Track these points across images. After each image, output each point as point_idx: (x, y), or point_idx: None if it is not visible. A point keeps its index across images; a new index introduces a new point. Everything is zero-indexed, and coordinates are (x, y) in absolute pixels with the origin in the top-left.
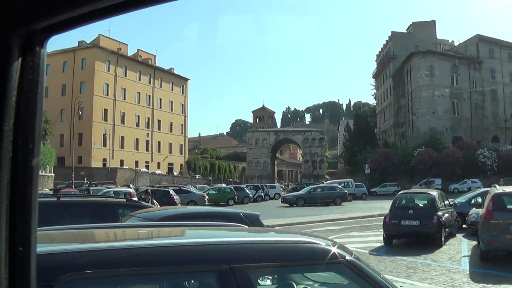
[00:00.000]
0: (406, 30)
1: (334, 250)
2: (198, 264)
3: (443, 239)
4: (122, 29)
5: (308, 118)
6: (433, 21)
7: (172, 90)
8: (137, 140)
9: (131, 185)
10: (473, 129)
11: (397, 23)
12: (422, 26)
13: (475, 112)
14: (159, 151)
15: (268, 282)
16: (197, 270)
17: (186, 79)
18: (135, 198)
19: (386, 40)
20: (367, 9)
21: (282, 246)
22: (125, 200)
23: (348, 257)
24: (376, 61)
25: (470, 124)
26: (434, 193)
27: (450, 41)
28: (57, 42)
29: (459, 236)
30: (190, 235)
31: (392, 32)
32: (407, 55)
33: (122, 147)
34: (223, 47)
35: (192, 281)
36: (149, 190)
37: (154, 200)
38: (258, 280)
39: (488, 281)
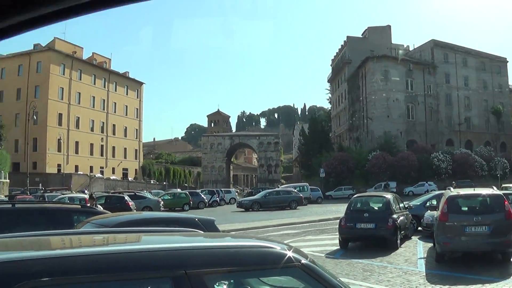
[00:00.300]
0: (362, 35)
1: (290, 254)
2: (153, 270)
3: (398, 241)
4: (77, 32)
5: (263, 122)
6: (389, 26)
7: (127, 94)
8: (91, 145)
9: (86, 191)
10: (428, 132)
11: (352, 28)
12: (378, 31)
13: (429, 116)
14: (113, 156)
15: (225, 287)
16: (152, 276)
17: (141, 83)
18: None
19: (342, 45)
20: (323, 14)
21: (238, 251)
22: (80, 206)
23: (303, 261)
24: (331, 65)
25: (425, 127)
26: (389, 196)
27: (405, 46)
28: (12, 45)
29: (414, 238)
30: (145, 241)
31: (347, 36)
32: (362, 60)
33: (76, 152)
34: (177, 51)
35: (149, 287)
36: (93, 195)
37: (99, 205)
38: (215, 286)
39: (444, 282)
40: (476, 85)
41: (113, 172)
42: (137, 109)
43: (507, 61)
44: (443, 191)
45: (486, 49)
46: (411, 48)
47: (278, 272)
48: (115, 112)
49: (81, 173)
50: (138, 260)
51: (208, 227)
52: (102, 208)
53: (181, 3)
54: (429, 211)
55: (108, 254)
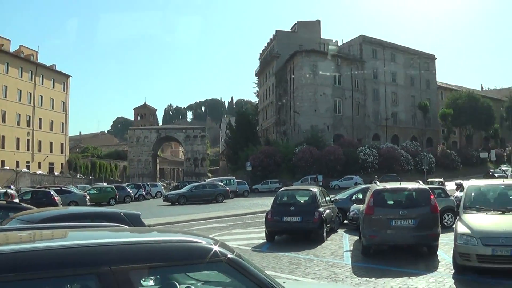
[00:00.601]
0: (291, 29)
1: (216, 248)
2: (78, 267)
3: (325, 234)
4: (4, 24)
5: (190, 115)
6: (318, 21)
7: (53, 87)
8: (17, 139)
9: (12, 186)
10: (355, 127)
11: (281, 22)
12: (307, 25)
13: (356, 111)
14: (40, 150)
15: (151, 282)
16: (78, 273)
17: (68, 76)
18: (16, 200)
19: (270, 39)
20: (253, 8)
21: (163, 246)
22: (5, 202)
23: (229, 255)
24: (259, 59)
25: (352, 122)
26: (315, 189)
27: (334, 41)
28: None
29: (340, 231)
30: (70, 237)
31: (276, 30)
32: (290, 54)
33: (3, 147)
34: (104, 44)
35: (74, 284)
36: (8, 192)
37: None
38: (141, 281)
39: (370, 275)
40: (404, 81)
41: (39, 167)
42: (63, 102)
43: (435, 58)
44: (369, 185)
45: (415, 46)
46: (340, 43)
47: (204, 267)
48: (41, 105)
49: (7, 168)
50: (64, 256)
51: (134, 221)
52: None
53: None
54: (355, 204)
55: (32, 251)
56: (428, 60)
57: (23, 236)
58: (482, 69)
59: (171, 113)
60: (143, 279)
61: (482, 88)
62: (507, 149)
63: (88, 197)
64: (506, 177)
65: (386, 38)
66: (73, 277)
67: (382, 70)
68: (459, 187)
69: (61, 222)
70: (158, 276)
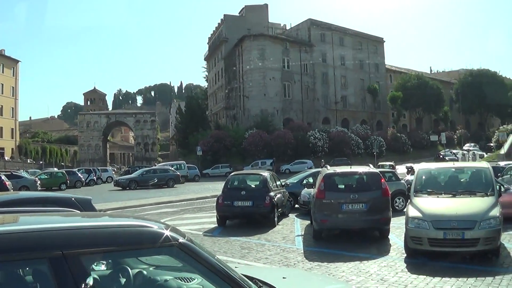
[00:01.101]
0: (239, 13)
1: (167, 233)
2: (29, 251)
3: (276, 219)
4: None
5: (140, 100)
6: (266, 5)
7: (2, 72)
8: None
9: None
10: (304, 111)
11: (229, 6)
12: (255, 9)
13: (306, 95)
14: None
15: (103, 267)
16: (29, 258)
17: (17, 61)
18: None
19: (218, 23)
20: None
21: (114, 231)
22: None
23: (181, 240)
24: (208, 43)
25: (301, 106)
26: (265, 174)
27: (282, 25)
28: None
29: (292, 216)
30: (22, 222)
31: (224, 15)
32: (239, 38)
33: None
34: (53, 28)
35: (26, 268)
36: None
37: None
38: (93, 266)
39: (322, 259)
40: (353, 64)
41: None
42: (13, 87)
43: (384, 41)
44: (319, 169)
45: (363, 30)
46: (288, 27)
47: (156, 251)
48: None
49: None
50: (15, 241)
51: (85, 206)
52: None
53: None
54: (306, 188)
55: None
56: (376, 44)
57: None
58: (430, 52)
59: (120, 98)
60: (95, 264)
61: (431, 71)
62: (457, 131)
63: (39, 182)
64: (457, 160)
65: (335, 21)
66: (25, 262)
67: (331, 53)
68: (410, 171)
69: (12, 206)
70: (110, 261)
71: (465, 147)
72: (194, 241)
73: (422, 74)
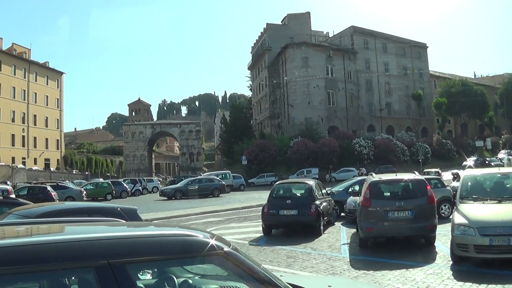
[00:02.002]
0: (281, 22)
1: (212, 242)
2: (75, 260)
3: (322, 227)
4: None
5: (184, 110)
6: (308, 13)
7: (47, 84)
8: (13, 136)
9: (8, 182)
10: (349, 118)
11: (272, 15)
12: (297, 17)
13: (350, 102)
14: (35, 146)
15: (149, 276)
16: (75, 267)
17: (61, 73)
18: (13, 195)
19: (261, 32)
20: (243, 1)
21: (160, 240)
22: (2, 197)
23: (226, 249)
24: (251, 52)
25: (346, 114)
26: (311, 182)
27: (325, 33)
28: None
29: (337, 224)
30: (68, 232)
31: (267, 24)
32: (282, 47)
33: None
34: (97, 40)
35: (72, 278)
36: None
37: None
38: (138, 275)
39: (368, 267)
40: (397, 70)
41: (35, 163)
42: (57, 99)
43: (427, 47)
44: (365, 177)
45: (406, 35)
46: (331, 35)
47: (201, 260)
48: (35, 102)
49: (3, 164)
50: (61, 250)
51: (131, 216)
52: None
53: None
54: (351, 196)
55: (31, 245)
56: (419, 49)
57: (20, 230)
58: (474, 57)
59: (165, 108)
60: (141, 273)
61: (475, 75)
62: (502, 136)
63: (84, 192)
64: (503, 166)
65: (377, 28)
66: (71, 271)
67: (374, 60)
68: (456, 177)
69: (58, 217)
70: (155, 270)
71: (500, 154)
72: (239, 250)
73: (466, 79)
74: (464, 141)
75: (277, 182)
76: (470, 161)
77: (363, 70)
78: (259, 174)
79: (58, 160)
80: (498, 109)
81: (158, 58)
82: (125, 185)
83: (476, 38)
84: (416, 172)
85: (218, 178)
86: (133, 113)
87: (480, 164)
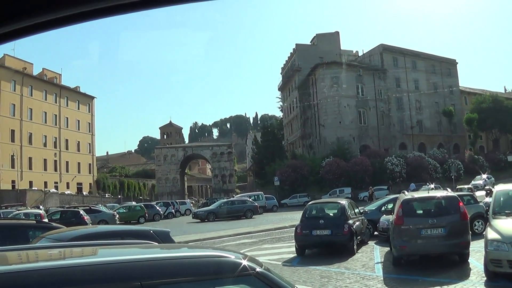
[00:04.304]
0: (310, 42)
1: (244, 262)
2: (108, 282)
3: (355, 247)
4: (26, 48)
5: (215, 132)
6: (337, 32)
7: (78, 108)
8: (45, 160)
9: (41, 207)
10: (380, 137)
11: (301, 35)
12: (326, 37)
13: (381, 120)
14: (67, 171)
15: None
16: None
17: (92, 97)
18: (46, 220)
19: (291, 53)
20: (272, 22)
21: (192, 261)
22: (35, 221)
23: (258, 269)
24: (281, 73)
25: (377, 132)
26: (343, 201)
27: (354, 52)
28: None
29: (371, 243)
30: (101, 254)
31: (296, 44)
32: (311, 67)
33: (30, 168)
34: (127, 64)
35: None
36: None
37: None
38: None
39: (402, 286)
40: (427, 87)
41: (68, 187)
42: (89, 123)
43: (457, 63)
44: (397, 195)
45: (435, 52)
46: (360, 54)
47: (233, 281)
48: (67, 127)
49: (36, 188)
50: (94, 273)
51: (163, 238)
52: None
53: (126, 16)
54: (384, 215)
55: (64, 267)
56: (449, 66)
57: (53, 253)
58: (504, 71)
59: (196, 130)
60: None
61: (505, 90)
62: None
63: (117, 216)
64: None
65: (406, 45)
66: None
67: (404, 78)
68: (489, 193)
69: (91, 240)
70: None
71: None
72: (272, 270)
73: (497, 94)
74: (496, 157)
75: (310, 202)
76: (481, 178)
77: (393, 88)
78: (291, 194)
79: (90, 184)
80: None
81: (188, 81)
82: (157, 208)
83: (506, 53)
84: (448, 189)
85: (250, 200)
86: (165, 136)
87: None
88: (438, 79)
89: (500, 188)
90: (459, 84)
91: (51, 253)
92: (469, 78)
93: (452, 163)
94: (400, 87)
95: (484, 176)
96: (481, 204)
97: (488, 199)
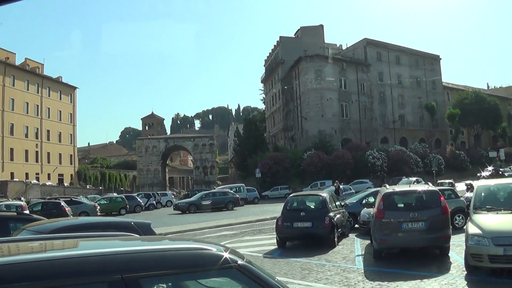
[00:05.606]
0: (294, 35)
1: (226, 255)
2: (89, 275)
3: (336, 239)
4: (9, 38)
5: (197, 124)
6: (321, 26)
7: (60, 99)
8: (26, 151)
9: (22, 198)
10: (362, 130)
11: (285, 28)
12: (310, 30)
13: (363, 114)
14: (49, 162)
15: None
16: (89, 282)
17: (74, 88)
18: (27, 211)
19: (274, 45)
20: (255, 15)
21: (174, 254)
22: (16, 213)
23: (240, 262)
24: (264, 66)
25: (359, 126)
26: (324, 194)
27: (338, 45)
28: None
29: (351, 236)
30: (82, 247)
31: (280, 37)
32: (295, 60)
33: (11, 159)
34: (109, 55)
35: None
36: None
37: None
38: None
39: (383, 279)
40: (410, 82)
41: (49, 178)
42: (71, 114)
43: (440, 58)
44: (379, 189)
45: (419, 47)
46: (344, 47)
47: (215, 274)
48: (49, 117)
49: (17, 180)
50: (75, 266)
51: (145, 230)
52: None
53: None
54: (365, 208)
55: (45, 260)
56: (432, 61)
57: (34, 246)
58: (487, 68)
59: (178, 122)
60: (155, 287)
61: (488, 87)
62: None
63: (98, 207)
64: None
65: (390, 40)
66: (84, 286)
67: (387, 72)
68: (469, 188)
69: (72, 232)
70: (169, 284)
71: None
72: (254, 262)
73: (480, 90)
74: (477, 152)
75: (291, 195)
76: (486, 171)
77: (376, 82)
78: (273, 187)
79: (71, 175)
80: (511, 120)
81: (171, 72)
82: (139, 199)
83: (489, 50)
84: (429, 183)
85: (232, 192)
86: (147, 127)
87: (493, 175)
88: (421, 74)
89: (481, 183)
90: (442, 80)
91: (31, 246)
92: (452, 74)
93: (434, 158)
94: (383, 82)
95: (490, 168)
96: (461, 199)
97: (468, 194)
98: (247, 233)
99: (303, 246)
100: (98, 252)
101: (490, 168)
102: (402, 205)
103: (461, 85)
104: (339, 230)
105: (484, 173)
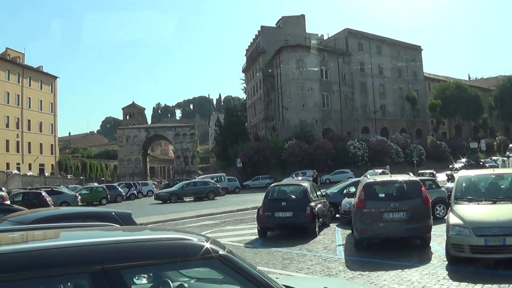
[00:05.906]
0: (276, 25)
1: (207, 245)
2: (69, 266)
3: (317, 229)
4: None
5: (178, 113)
6: (303, 16)
7: (41, 88)
8: (7, 141)
9: (3, 188)
10: (343, 120)
11: (266, 17)
12: (292, 20)
13: (344, 104)
14: (29, 152)
15: (144, 281)
16: (69, 273)
17: (55, 77)
18: (8, 202)
19: (256, 35)
20: (237, 4)
21: (155, 244)
22: None
23: (221, 252)
24: (245, 55)
25: (340, 116)
26: (305, 184)
27: (319, 35)
28: None
29: (333, 225)
30: (63, 237)
31: (261, 26)
32: (276, 49)
33: None
34: (90, 45)
35: (67, 284)
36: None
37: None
38: (134, 280)
39: (364, 268)
40: (391, 73)
41: (30, 168)
42: (51, 103)
43: (422, 49)
44: (359, 178)
45: (400, 38)
46: (325, 37)
47: (196, 264)
48: (29, 107)
49: None
50: (56, 256)
51: (125, 220)
52: None
53: None
54: (346, 198)
55: (26, 251)
56: (414, 52)
57: (15, 237)
58: (468, 59)
59: (159, 111)
60: (136, 277)
61: (469, 78)
62: (496, 138)
63: (79, 197)
64: (497, 167)
65: (372, 30)
66: (65, 277)
67: (368, 62)
68: (450, 178)
69: (53, 222)
70: (150, 274)
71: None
72: (235, 252)
73: (461, 81)
74: (458, 143)
75: (272, 185)
76: (459, 163)
77: (357, 73)
78: (254, 176)
79: (52, 165)
80: (492, 111)
81: (151, 61)
82: (119, 189)
83: (471, 41)
84: (410, 173)
85: (213, 181)
86: (128, 117)
87: (465, 167)
88: (403, 64)
89: (463, 173)
90: (423, 71)
91: (12, 237)
92: (433, 65)
93: (415, 148)
94: (364, 72)
95: (464, 160)
96: (442, 189)
97: (449, 185)
98: (228, 223)
99: (284, 236)
100: (78, 242)
101: (463, 160)
102: (383, 195)
103: (442, 76)
104: (320, 220)
105: (457, 165)
